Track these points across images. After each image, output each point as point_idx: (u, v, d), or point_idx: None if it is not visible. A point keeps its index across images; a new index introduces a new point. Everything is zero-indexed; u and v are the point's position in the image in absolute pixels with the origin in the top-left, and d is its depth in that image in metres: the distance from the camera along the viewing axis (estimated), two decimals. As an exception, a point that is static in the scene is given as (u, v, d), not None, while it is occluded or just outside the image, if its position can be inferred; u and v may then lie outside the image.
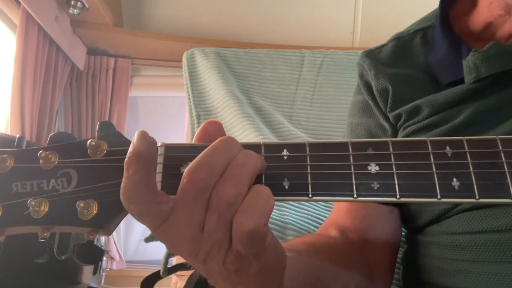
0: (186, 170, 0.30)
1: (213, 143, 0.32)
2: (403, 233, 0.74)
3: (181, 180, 0.30)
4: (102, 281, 2.24)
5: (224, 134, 0.35)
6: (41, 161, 0.34)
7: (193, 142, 0.35)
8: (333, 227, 0.57)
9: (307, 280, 0.40)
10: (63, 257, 1.22)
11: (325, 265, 0.46)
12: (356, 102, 0.66)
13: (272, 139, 1.05)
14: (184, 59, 1.29)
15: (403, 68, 0.60)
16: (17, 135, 0.34)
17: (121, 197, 0.30)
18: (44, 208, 0.32)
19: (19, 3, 1.87)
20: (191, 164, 0.30)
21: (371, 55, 0.65)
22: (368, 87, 0.63)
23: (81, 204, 0.32)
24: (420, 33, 0.63)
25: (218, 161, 0.30)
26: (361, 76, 0.64)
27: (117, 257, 2.30)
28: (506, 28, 0.54)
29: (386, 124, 0.60)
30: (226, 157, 0.31)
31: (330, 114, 1.19)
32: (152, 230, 0.32)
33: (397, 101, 0.58)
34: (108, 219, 0.33)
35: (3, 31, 2.02)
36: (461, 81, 0.52)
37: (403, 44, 0.64)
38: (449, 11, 0.61)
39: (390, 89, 0.58)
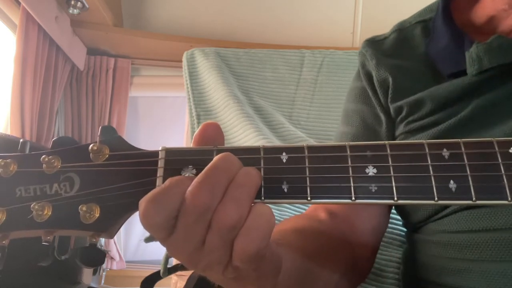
0: (187, 192, 0.30)
1: (212, 162, 0.31)
2: (403, 233, 0.74)
3: (183, 201, 0.30)
4: (102, 281, 2.24)
5: (222, 136, 0.35)
6: (44, 165, 0.34)
7: (192, 144, 0.35)
8: (322, 209, 0.57)
9: (295, 273, 0.41)
10: (63, 257, 1.23)
11: (314, 256, 0.46)
12: (354, 88, 0.67)
13: (272, 139, 1.05)
14: (184, 59, 1.29)
15: (404, 60, 0.60)
16: (21, 140, 0.34)
17: (153, 201, 0.30)
18: (47, 212, 0.33)
19: (19, 3, 1.87)
20: (191, 185, 0.30)
21: (374, 45, 0.65)
22: (369, 76, 0.63)
23: (84, 208, 0.32)
24: (421, 24, 0.63)
25: (219, 182, 0.30)
26: (363, 66, 0.64)
27: (117, 257, 2.30)
28: (508, 23, 0.54)
29: (382, 115, 0.60)
30: (227, 177, 0.31)
31: (330, 114, 1.18)
32: (160, 240, 0.32)
33: (397, 92, 0.58)
34: (110, 223, 0.33)
35: (3, 31, 2.02)
36: (462, 73, 0.52)
37: (404, 35, 0.64)
38: (451, 3, 0.61)
39: (391, 80, 0.59)
